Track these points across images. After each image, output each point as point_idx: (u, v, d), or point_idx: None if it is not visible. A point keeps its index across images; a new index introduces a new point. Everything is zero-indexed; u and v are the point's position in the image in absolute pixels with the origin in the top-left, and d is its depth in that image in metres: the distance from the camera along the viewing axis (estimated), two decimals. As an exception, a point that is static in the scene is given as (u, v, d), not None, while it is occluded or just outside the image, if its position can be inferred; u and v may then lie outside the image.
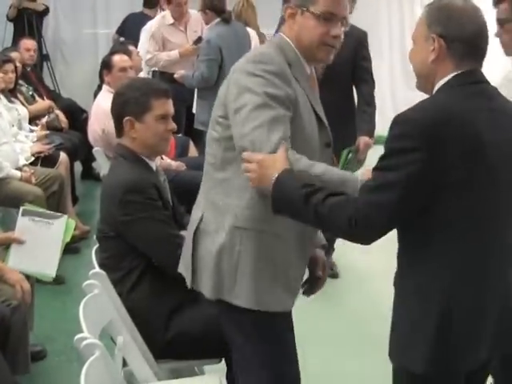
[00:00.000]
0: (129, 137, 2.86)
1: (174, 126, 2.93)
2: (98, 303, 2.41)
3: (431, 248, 1.88)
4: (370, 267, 4.91)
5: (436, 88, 1.95)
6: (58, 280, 4.59)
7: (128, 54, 5.35)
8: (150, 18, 7.43)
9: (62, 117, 6.39)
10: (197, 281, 2.27)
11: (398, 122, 1.84)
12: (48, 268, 3.34)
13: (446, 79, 1.92)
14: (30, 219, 3.36)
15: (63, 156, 5.60)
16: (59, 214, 3.49)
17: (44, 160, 5.40)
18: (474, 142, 1.84)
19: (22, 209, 3.41)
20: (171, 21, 6.64)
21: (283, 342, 2.29)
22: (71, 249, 5.10)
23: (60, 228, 3.37)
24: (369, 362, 3.51)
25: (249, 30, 6.14)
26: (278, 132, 2.05)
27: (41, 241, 3.34)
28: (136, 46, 6.50)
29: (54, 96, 7.27)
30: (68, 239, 3.44)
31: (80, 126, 6.38)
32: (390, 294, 1.97)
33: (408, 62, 2.09)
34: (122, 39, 7.58)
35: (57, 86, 8.24)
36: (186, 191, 3.83)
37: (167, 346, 2.73)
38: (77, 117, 6.83)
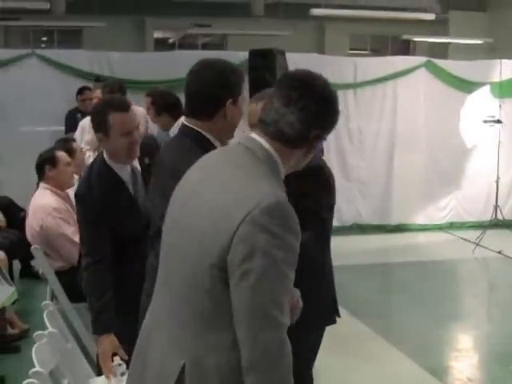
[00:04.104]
0: None
1: None
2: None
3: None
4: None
5: None
6: (-1, 381, 4.54)
7: (71, 152, 5.34)
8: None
9: (-1, 215, 6.41)
10: None
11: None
12: None
13: None
14: None
15: (1, 254, 5.61)
16: (12, 284, 4.46)
17: (-18, 259, 5.40)
18: None
19: None
20: None
21: None
22: (11, 348, 5.08)
23: (5, 294, 4.26)
24: None
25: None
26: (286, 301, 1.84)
27: None
28: None
29: (-9, 195, 7.26)
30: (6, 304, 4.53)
31: (18, 224, 6.34)
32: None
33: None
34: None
35: (-7, 184, 8.19)
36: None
37: None
38: (14, 215, 6.81)
